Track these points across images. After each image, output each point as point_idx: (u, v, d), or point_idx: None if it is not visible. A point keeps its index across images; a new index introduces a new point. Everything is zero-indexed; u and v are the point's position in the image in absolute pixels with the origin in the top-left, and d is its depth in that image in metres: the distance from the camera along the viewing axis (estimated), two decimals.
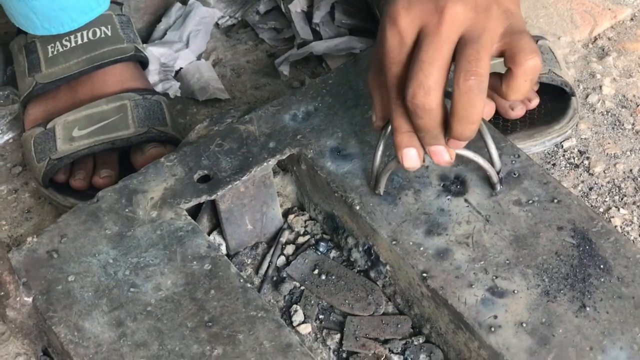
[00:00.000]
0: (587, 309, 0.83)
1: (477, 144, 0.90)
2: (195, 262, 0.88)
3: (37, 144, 1.06)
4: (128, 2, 1.18)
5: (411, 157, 0.84)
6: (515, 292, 0.84)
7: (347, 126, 0.97)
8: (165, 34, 1.25)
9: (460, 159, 0.90)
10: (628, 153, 1.08)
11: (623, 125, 1.11)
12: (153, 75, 1.19)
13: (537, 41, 1.08)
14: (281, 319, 0.85)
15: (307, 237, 1.00)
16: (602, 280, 0.84)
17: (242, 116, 0.99)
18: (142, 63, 1.15)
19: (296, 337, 0.83)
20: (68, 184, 1.06)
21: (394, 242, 0.88)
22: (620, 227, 1.01)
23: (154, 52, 1.21)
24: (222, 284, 0.87)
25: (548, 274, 0.85)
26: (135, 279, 0.87)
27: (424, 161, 0.85)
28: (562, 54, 1.17)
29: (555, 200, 0.90)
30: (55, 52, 1.10)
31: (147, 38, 1.26)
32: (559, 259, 0.86)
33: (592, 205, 1.02)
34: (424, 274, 0.86)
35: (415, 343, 0.90)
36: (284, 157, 0.96)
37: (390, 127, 0.85)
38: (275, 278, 0.97)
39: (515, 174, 0.92)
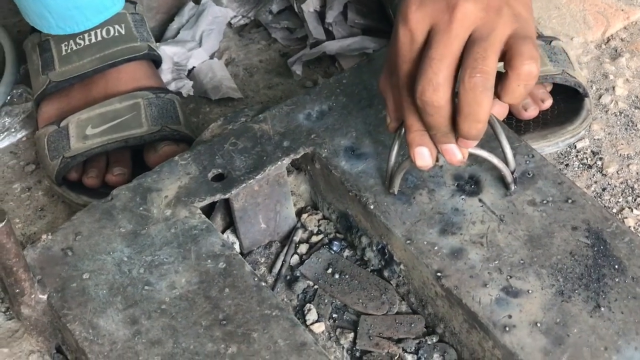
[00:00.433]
0: (602, 309, 0.83)
1: (491, 144, 0.90)
2: (209, 261, 0.88)
3: (50, 142, 1.07)
4: (141, 1, 1.18)
5: (423, 156, 0.84)
6: (530, 292, 0.84)
7: (362, 126, 0.97)
8: (178, 33, 1.26)
9: (474, 158, 0.90)
10: None
11: (636, 126, 1.11)
12: (166, 74, 1.19)
13: (550, 42, 1.08)
14: (295, 318, 0.85)
15: (320, 236, 1.00)
16: (617, 280, 0.84)
17: (256, 115, 0.99)
18: (156, 62, 1.15)
19: (311, 336, 0.83)
20: (81, 182, 1.06)
21: (408, 242, 0.88)
22: (634, 227, 1.01)
23: (167, 51, 1.21)
24: (236, 282, 0.87)
25: (562, 274, 0.85)
26: (149, 277, 0.87)
27: (437, 160, 0.85)
28: (574, 54, 1.17)
29: (570, 201, 0.90)
30: (69, 51, 1.10)
31: (160, 37, 1.26)
32: (573, 259, 0.86)
33: (605, 206, 1.02)
34: (438, 274, 0.86)
35: (429, 342, 0.91)
36: (298, 156, 0.96)
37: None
38: (288, 277, 0.97)
39: (529, 174, 0.92)
